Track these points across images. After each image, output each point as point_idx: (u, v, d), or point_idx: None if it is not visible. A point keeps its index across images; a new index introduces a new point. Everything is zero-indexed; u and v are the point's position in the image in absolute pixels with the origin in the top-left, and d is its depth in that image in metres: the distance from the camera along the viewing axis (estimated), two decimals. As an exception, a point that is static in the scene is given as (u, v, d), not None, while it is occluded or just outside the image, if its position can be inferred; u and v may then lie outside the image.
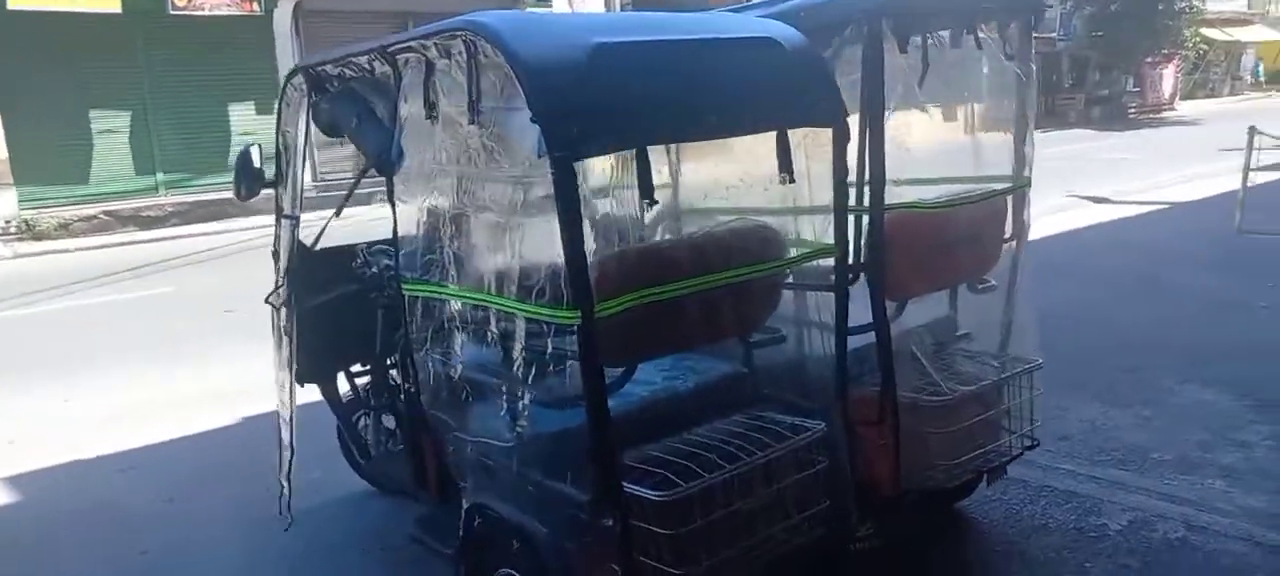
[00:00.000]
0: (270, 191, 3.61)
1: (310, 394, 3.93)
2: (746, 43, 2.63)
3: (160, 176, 16.16)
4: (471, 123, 2.41)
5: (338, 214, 3.68)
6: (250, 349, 6.74)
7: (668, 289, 2.43)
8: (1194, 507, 3.68)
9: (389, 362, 3.86)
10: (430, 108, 2.58)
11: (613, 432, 2.31)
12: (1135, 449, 4.28)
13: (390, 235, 3.83)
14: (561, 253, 2.21)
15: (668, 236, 3.64)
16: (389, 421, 3.99)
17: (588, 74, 2.26)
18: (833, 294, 2.82)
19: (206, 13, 15.61)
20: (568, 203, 2.18)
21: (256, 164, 3.58)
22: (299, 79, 3.22)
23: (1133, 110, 30.02)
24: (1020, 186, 3.29)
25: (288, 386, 3.60)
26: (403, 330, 2.98)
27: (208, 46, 15.86)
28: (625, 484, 2.42)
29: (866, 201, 2.93)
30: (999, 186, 3.23)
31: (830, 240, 2.75)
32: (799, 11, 2.99)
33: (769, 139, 2.63)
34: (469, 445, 2.80)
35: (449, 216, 2.66)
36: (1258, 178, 9.79)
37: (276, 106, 3.44)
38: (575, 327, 2.24)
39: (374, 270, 3.68)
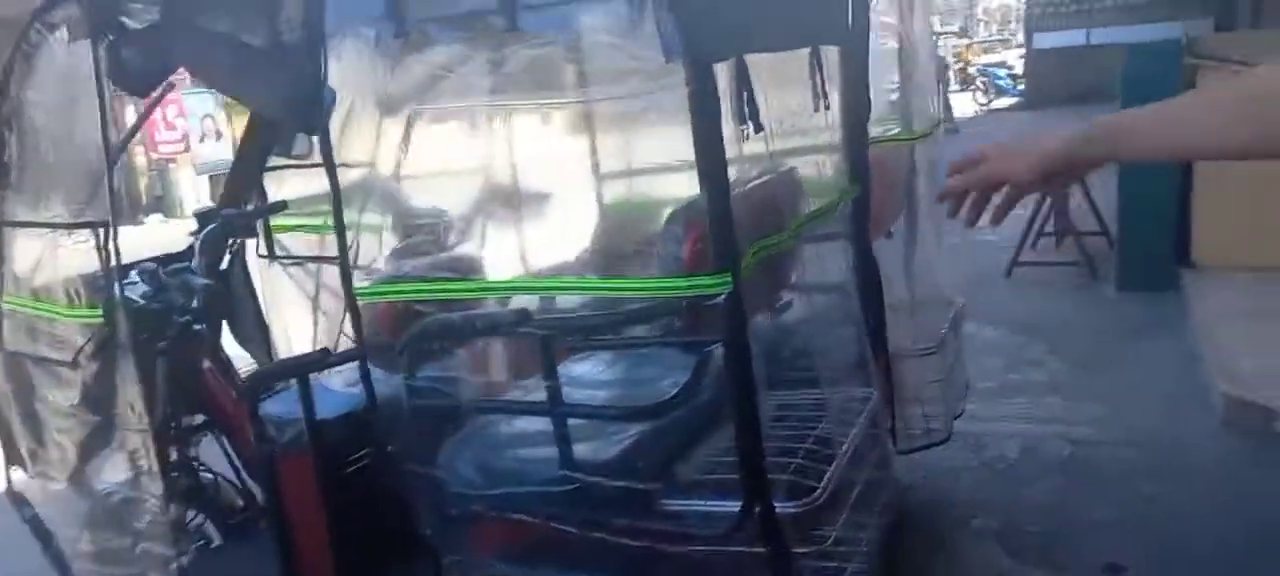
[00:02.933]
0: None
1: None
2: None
3: None
4: (510, 29, 1.66)
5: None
6: None
7: (774, 240, 1.90)
8: (1060, 424, 3.90)
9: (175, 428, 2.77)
10: (400, 23, 1.75)
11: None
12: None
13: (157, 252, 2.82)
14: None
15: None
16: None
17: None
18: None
19: None
20: (710, 123, 1.58)
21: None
22: (67, 13, 2.07)
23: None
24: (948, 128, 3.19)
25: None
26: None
27: None
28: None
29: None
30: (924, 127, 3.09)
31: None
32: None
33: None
34: (475, 500, 1.98)
35: (453, 183, 1.85)
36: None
37: (3, 68, 2.21)
38: (722, 297, 1.63)
39: (160, 298, 2.58)
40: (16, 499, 2.76)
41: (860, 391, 2.31)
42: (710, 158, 1.57)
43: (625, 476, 1.89)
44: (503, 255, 2.43)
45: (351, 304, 1.91)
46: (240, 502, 3.09)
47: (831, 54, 2.33)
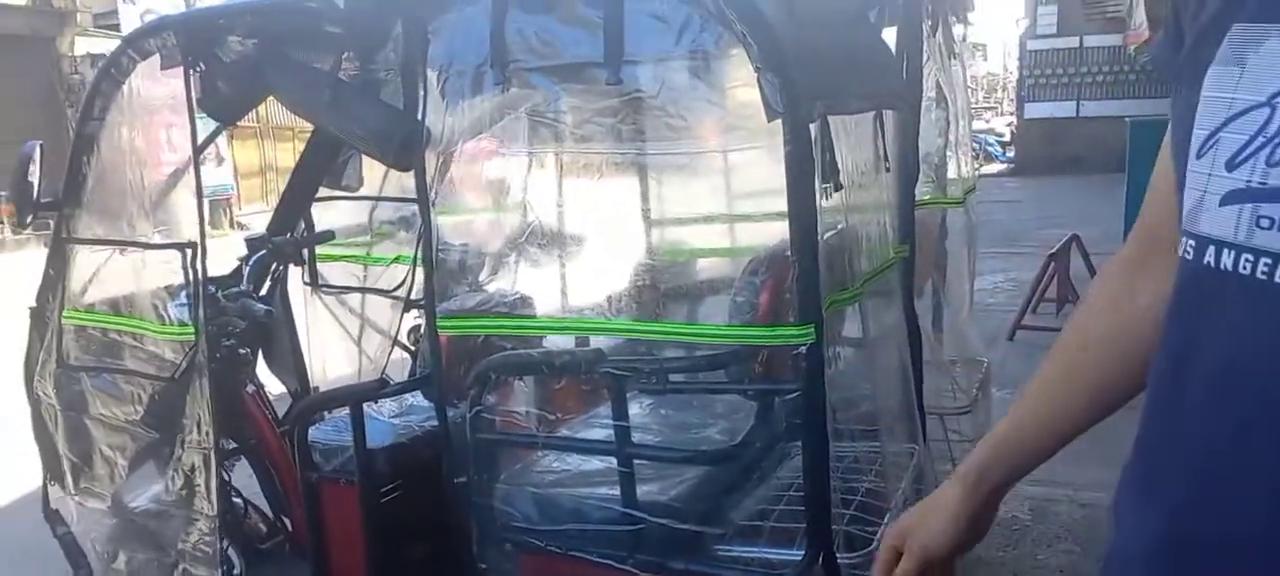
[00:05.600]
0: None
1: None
2: (846, 9, 2.26)
3: None
4: (613, 82, 1.73)
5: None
6: None
7: (848, 294, 1.97)
8: (1069, 487, 3.95)
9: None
10: (503, 67, 1.82)
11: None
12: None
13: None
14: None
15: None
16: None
17: (789, 9, 1.75)
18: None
19: None
20: (804, 179, 1.65)
21: (30, 176, 2.34)
22: (162, 41, 2.14)
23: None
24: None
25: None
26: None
27: None
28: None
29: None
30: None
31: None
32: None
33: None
34: (533, 535, 2.02)
35: (536, 221, 1.91)
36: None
37: (89, 91, 2.27)
38: (804, 348, 1.70)
39: (216, 321, 2.63)
40: (53, 516, 2.76)
41: (906, 446, 2.37)
42: (802, 212, 1.65)
43: (687, 519, 1.93)
44: (578, 295, 2.50)
45: (433, 333, 1.95)
46: (264, 529, 3.11)
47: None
